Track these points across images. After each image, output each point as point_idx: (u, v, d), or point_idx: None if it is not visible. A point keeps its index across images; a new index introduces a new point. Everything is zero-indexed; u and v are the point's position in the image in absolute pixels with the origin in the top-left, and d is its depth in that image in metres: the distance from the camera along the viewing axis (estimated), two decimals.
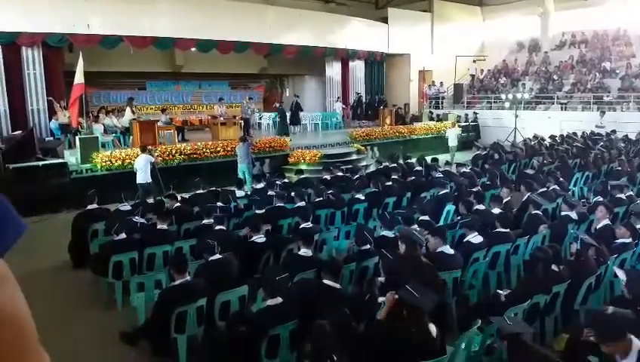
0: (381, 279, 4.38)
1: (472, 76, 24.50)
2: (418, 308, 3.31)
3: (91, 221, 7.05)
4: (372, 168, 13.60)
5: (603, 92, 19.38)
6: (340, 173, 10.49)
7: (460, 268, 5.01)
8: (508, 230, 5.94)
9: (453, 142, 17.11)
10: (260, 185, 9.40)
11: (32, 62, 13.83)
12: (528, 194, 7.55)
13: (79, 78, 11.37)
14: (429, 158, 11.83)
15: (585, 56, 22.09)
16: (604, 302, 4.90)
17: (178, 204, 7.76)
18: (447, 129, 18.37)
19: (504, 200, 7.45)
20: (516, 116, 18.67)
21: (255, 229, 5.85)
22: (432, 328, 3.32)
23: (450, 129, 17.84)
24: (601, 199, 7.36)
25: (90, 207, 7.41)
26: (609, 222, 6.17)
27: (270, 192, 8.38)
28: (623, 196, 7.71)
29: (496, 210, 6.78)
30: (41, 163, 10.84)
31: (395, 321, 3.36)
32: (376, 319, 3.58)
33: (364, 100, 21.78)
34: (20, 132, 12.61)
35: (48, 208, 10.09)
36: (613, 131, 16.23)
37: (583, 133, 16.12)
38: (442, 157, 13.57)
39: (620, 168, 10.40)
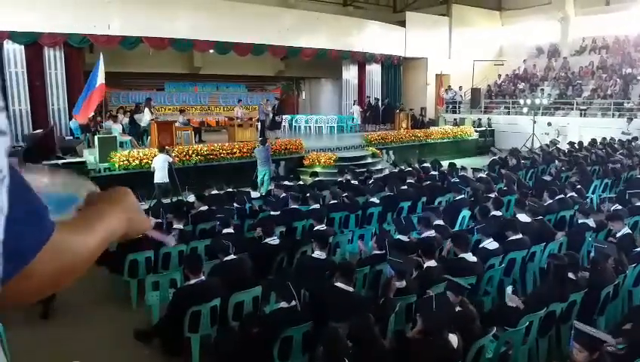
0: (398, 284, 4.35)
1: (500, 76, 24.36)
2: (436, 320, 3.30)
3: None
4: (386, 172, 13.53)
5: (624, 98, 19.07)
6: (357, 178, 10.36)
7: (477, 276, 4.96)
8: (520, 236, 5.87)
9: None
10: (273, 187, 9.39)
11: (54, 62, 14.06)
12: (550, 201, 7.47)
13: (100, 78, 11.52)
14: (445, 163, 11.74)
15: (605, 62, 21.77)
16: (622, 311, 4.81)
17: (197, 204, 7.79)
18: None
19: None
20: (534, 122, 18.46)
21: (267, 232, 5.86)
22: (454, 338, 3.29)
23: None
24: (620, 207, 7.24)
25: None
26: (629, 230, 6.06)
27: (285, 194, 8.39)
28: None
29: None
30: (60, 161, 11.03)
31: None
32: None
33: (380, 104, 21.70)
34: (40, 130, 12.82)
35: None
36: (635, 138, 15.96)
37: (603, 139, 15.87)
38: (459, 162, 13.44)
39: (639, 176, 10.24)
